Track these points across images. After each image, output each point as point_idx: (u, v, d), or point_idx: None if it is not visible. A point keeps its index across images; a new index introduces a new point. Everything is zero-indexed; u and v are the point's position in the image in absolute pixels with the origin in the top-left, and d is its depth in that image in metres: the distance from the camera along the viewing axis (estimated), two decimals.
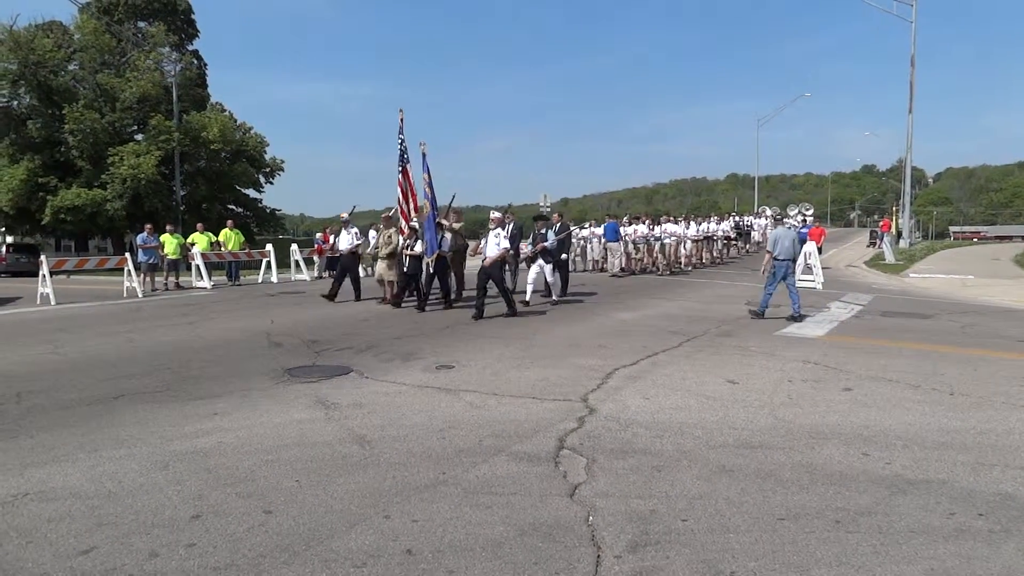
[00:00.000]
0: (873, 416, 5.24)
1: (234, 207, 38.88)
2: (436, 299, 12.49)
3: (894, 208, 46.09)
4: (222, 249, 19.54)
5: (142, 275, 16.76)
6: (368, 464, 4.17)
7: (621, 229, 20.67)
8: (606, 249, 20.93)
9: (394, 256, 12.86)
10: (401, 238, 12.82)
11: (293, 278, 20.02)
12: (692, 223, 22.44)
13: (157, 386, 6.30)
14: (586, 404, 5.55)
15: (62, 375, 6.84)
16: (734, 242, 27.72)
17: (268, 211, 41.90)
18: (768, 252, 10.75)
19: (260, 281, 19.64)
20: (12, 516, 3.42)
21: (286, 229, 48.04)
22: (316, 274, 20.90)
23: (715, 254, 24.48)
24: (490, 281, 10.93)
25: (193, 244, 18.88)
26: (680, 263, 21.11)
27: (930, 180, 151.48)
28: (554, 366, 7.09)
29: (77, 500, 3.63)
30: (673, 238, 20.54)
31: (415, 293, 12.42)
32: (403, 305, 12.27)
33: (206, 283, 17.83)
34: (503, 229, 11.54)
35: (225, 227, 20.41)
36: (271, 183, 40.56)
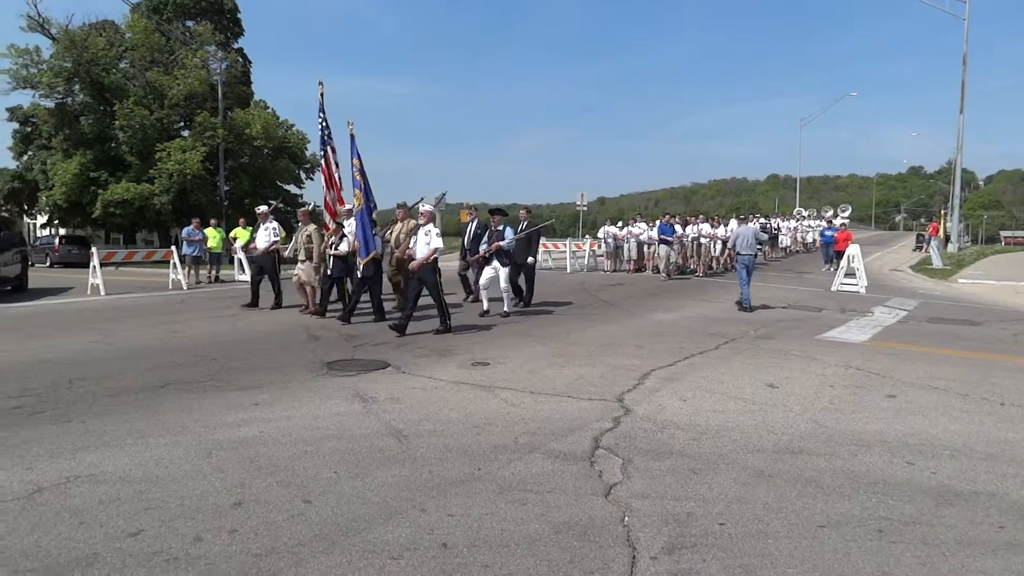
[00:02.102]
0: (918, 424, 5.10)
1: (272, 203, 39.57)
2: (366, 310, 10.56)
3: (942, 211, 44.71)
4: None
5: (187, 268, 17.18)
6: (405, 458, 4.21)
7: (633, 228, 20.69)
8: (642, 249, 20.83)
9: (314, 258, 11.25)
10: (324, 235, 11.25)
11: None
12: (721, 224, 22.03)
13: (200, 376, 6.46)
14: (622, 404, 5.52)
15: (111, 363, 7.06)
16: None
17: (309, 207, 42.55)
18: (730, 249, 12.28)
19: None
20: (65, 498, 3.55)
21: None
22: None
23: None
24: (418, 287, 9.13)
25: (235, 238, 19.31)
26: (712, 265, 20.89)
27: (981, 183, 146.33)
28: (590, 365, 7.07)
29: (125, 484, 3.74)
30: (707, 239, 20.32)
31: (341, 299, 11.14)
32: (328, 315, 10.61)
33: (248, 276, 18.20)
34: (435, 225, 9.40)
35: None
36: (311, 179, 41.21)
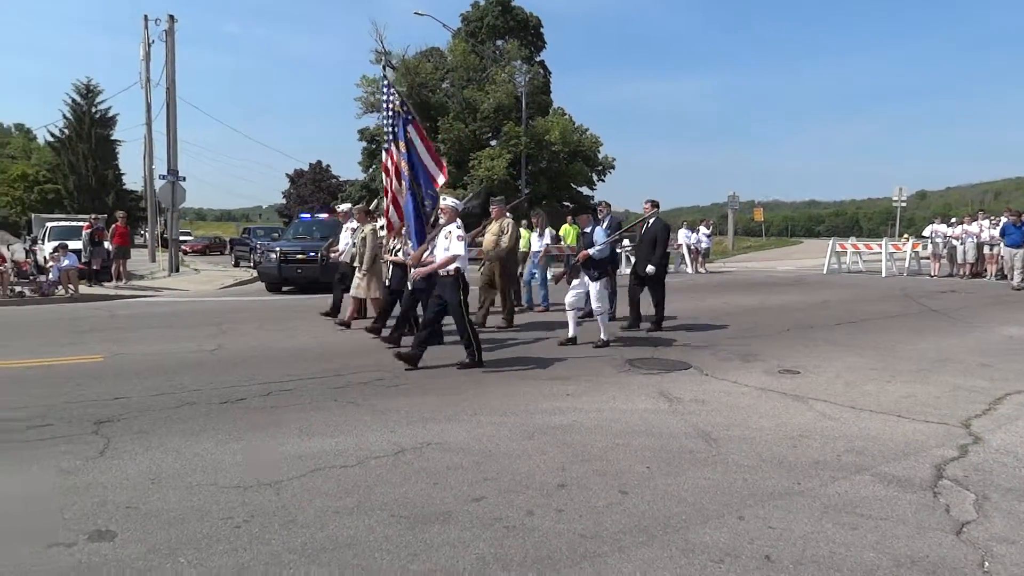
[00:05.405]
0: None
1: (568, 204, 41.78)
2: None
3: None
4: (562, 243, 21.12)
5: None
6: (716, 462, 4.16)
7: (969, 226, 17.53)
8: (982, 250, 17.72)
9: (363, 264, 9.44)
10: (386, 238, 9.28)
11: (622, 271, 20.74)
12: None
13: (514, 363, 7.09)
14: (969, 431, 4.77)
15: (440, 348, 7.96)
16: None
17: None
18: None
19: None
20: (422, 460, 4.18)
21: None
22: None
23: None
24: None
25: (563, 237, 20.76)
26: None
27: None
28: (922, 382, 6.23)
29: (466, 455, 4.28)
30: None
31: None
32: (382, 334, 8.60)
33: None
34: (457, 224, 6.93)
35: (565, 223, 22.03)
36: (603, 181, 42.61)
